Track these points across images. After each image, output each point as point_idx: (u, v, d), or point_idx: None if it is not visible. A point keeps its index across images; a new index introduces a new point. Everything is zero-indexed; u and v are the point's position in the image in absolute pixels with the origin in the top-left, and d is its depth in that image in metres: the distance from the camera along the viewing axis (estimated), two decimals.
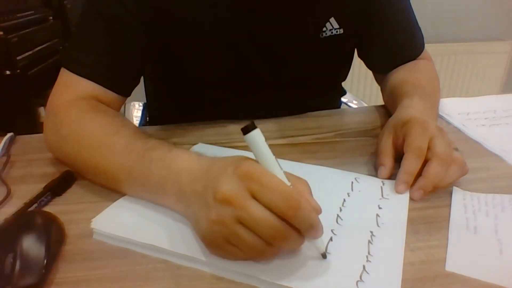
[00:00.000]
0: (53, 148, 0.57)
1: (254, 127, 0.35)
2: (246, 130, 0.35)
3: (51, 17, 1.61)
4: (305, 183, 0.38)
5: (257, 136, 0.35)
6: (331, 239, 0.41)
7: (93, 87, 0.58)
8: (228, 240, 0.36)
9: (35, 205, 0.46)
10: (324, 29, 0.68)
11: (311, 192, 0.38)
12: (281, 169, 0.36)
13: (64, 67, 0.59)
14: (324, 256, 0.38)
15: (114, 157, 0.47)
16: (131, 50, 0.60)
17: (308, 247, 0.39)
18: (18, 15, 1.40)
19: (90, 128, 0.52)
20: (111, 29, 0.58)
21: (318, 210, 0.37)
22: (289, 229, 0.34)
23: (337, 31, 0.68)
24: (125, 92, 0.62)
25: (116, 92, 0.60)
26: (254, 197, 0.34)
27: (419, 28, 0.75)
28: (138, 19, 0.59)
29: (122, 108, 1.15)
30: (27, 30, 1.42)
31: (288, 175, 0.37)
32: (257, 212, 0.34)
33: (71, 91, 0.57)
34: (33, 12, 1.49)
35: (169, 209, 0.44)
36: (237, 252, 0.36)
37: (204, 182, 0.38)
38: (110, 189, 0.49)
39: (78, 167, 0.53)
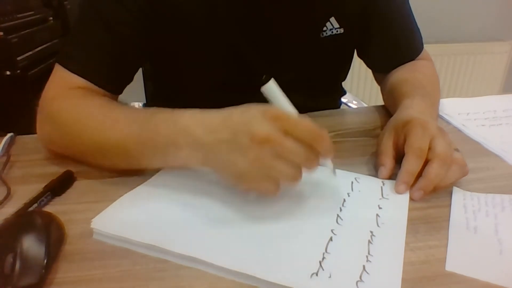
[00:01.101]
0: (50, 139, 0.57)
1: (269, 79, 0.43)
2: (263, 82, 0.43)
3: (51, 18, 1.61)
4: (309, 120, 0.43)
5: (274, 85, 0.44)
6: (331, 239, 0.41)
7: (84, 83, 0.59)
8: (265, 175, 0.42)
9: (35, 205, 0.46)
10: (325, 28, 0.68)
11: None
12: (294, 108, 0.44)
13: (58, 63, 0.59)
14: (334, 172, 0.48)
15: (120, 129, 0.49)
16: (124, 49, 0.61)
17: (309, 249, 0.39)
18: (18, 15, 1.40)
19: (90, 109, 0.54)
20: (106, 27, 0.59)
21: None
22: (315, 154, 0.42)
23: (337, 31, 0.68)
24: (115, 90, 0.63)
25: (106, 90, 0.61)
26: (287, 134, 0.41)
27: (418, 28, 0.75)
28: (136, 19, 0.60)
29: None
30: (27, 31, 1.42)
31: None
32: (293, 145, 0.41)
33: (62, 86, 0.58)
34: (33, 12, 1.49)
35: (180, 164, 0.47)
36: (270, 187, 0.43)
37: (230, 129, 0.42)
38: (118, 168, 0.51)
39: (81, 150, 0.53)
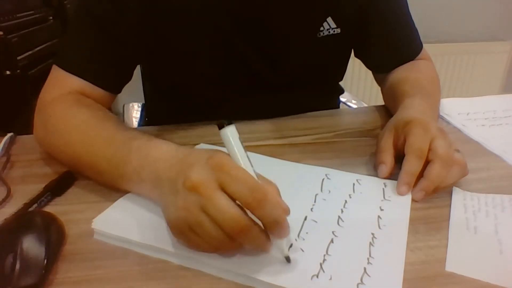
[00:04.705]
0: (42, 143, 0.58)
1: (229, 124, 0.37)
2: (221, 126, 0.37)
3: (51, 17, 1.61)
4: (275, 186, 0.37)
5: (230, 132, 0.37)
6: (332, 240, 0.41)
7: (80, 83, 0.59)
8: (191, 228, 0.36)
9: (35, 205, 0.46)
10: (322, 28, 0.68)
11: (279, 194, 0.37)
12: (252, 166, 0.37)
13: (55, 64, 0.60)
14: (288, 260, 0.37)
15: (96, 150, 0.49)
16: (120, 48, 0.61)
17: (310, 251, 0.39)
18: (18, 15, 1.40)
19: (73, 124, 0.53)
20: (99, 26, 0.59)
21: (286, 210, 0.36)
22: (250, 223, 0.35)
23: (334, 31, 0.68)
24: (112, 89, 0.63)
25: (103, 89, 0.61)
26: (222, 187, 0.35)
27: (416, 28, 0.75)
28: (128, 17, 0.60)
29: (121, 109, 1.16)
30: (27, 30, 1.42)
31: (259, 176, 0.37)
32: (221, 202, 0.34)
33: (59, 87, 0.59)
34: (33, 12, 1.49)
35: (144, 197, 0.45)
36: (199, 242, 0.37)
37: (178, 169, 0.39)
38: (96, 181, 0.51)
39: (66, 161, 0.54)
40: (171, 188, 0.38)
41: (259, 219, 0.35)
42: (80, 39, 0.61)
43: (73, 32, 0.62)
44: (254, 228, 0.35)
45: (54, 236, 0.40)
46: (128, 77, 0.66)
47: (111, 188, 0.49)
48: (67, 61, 0.60)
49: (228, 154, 0.37)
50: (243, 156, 0.37)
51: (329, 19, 0.67)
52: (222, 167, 0.35)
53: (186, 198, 0.36)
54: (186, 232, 0.37)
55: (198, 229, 0.36)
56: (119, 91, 0.65)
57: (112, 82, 0.63)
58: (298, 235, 0.41)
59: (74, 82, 0.59)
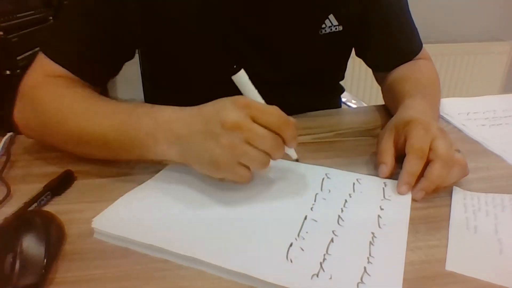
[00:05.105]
0: (27, 125, 0.58)
1: (239, 69, 0.46)
2: (233, 72, 0.46)
3: (51, 17, 1.61)
4: (277, 107, 0.45)
5: (242, 75, 0.46)
6: (332, 240, 0.41)
7: (64, 73, 0.59)
8: (238, 161, 0.44)
9: (35, 204, 0.46)
10: (324, 25, 0.68)
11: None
12: (262, 99, 0.47)
13: (41, 50, 0.60)
14: (297, 160, 0.51)
15: (101, 119, 0.51)
16: (106, 43, 0.61)
17: (310, 250, 0.39)
18: (18, 15, 1.40)
19: (73, 99, 0.54)
20: (89, 18, 0.59)
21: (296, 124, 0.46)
22: (281, 141, 0.45)
23: (336, 28, 0.68)
24: (96, 82, 0.63)
25: (86, 81, 0.61)
26: (255, 121, 0.43)
27: (415, 27, 0.75)
28: (121, 13, 0.60)
29: None
30: (27, 30, 1.42)
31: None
32: (261, 131, 0.43)
33: (43, 72, 0.59)
34: (33, 12, 1.49)
35: (158, 158, 0.49)
36: (243, 171, 0.45)
37: (203, 120, 0.45)
38: (97, 156, 0.52)
39: (60, 139, 0.54)
40: (205, 137, 0.44)
41: (284, 138, 0.45)
42: (67, 30, 0.61)
43: (63, 22, 0.63)
44: (282, 144, 0.45)
45: (54, 235, 0.40)
46: (113, 72, 0.66)
47: (115, 160, 0.50)
48: (53, 50, 0.60)
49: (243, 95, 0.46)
50: (256, 93, 0.47)
51: (331, 16, 0.67)
52: (249, 106, 0.44)
53: (229, 137, 0.42)
54: (232, 167, 0.44)
55: (244, 158, 0.44)
56: (103, 85, 0.65)
57: (96, 76, 0.63)
58: (298, 235, 0.41)
59: (58, 70, 0.59)
